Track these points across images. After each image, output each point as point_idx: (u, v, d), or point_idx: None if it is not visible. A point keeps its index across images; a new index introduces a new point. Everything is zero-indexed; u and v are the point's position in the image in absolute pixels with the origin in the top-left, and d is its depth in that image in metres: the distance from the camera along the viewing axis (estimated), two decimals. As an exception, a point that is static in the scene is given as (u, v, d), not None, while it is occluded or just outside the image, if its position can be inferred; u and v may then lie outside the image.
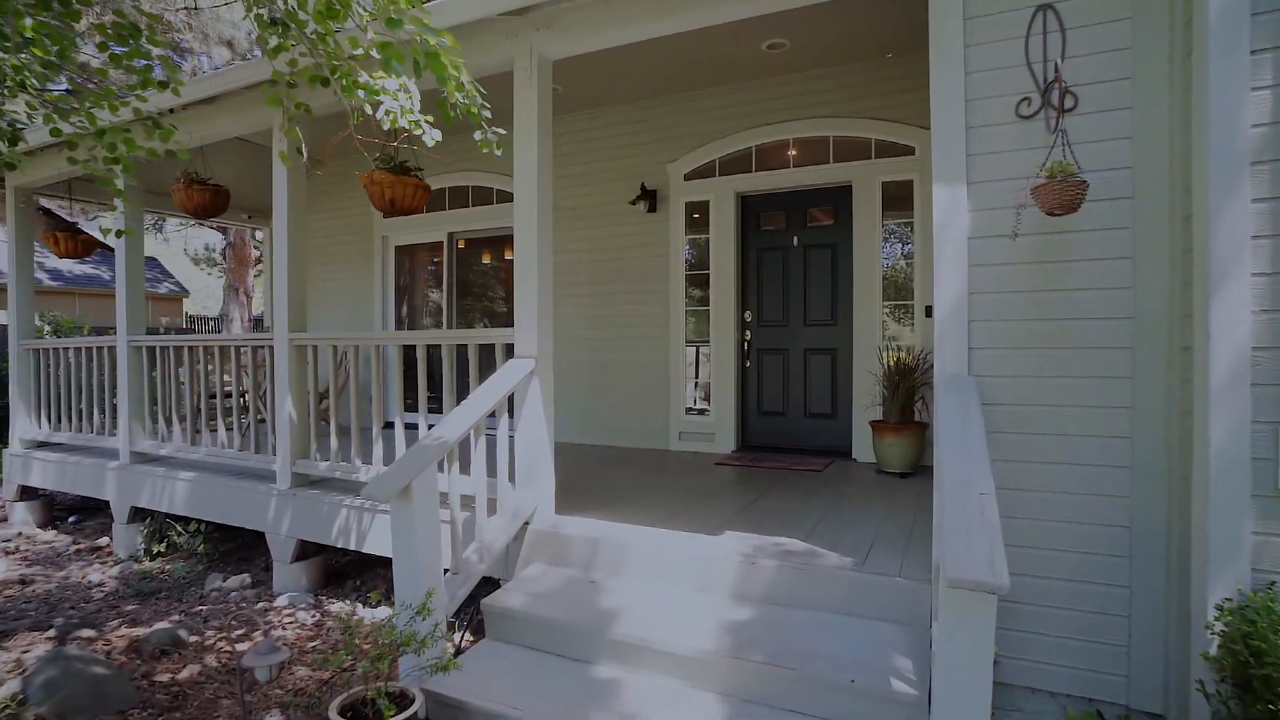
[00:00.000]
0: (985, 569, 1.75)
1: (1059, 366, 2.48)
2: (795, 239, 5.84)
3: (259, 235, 13.82)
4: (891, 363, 4.94)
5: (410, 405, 7.73)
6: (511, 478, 3.72)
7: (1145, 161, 2.35)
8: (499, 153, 3.07)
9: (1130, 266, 2.39)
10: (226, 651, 3.40)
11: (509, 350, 3.75)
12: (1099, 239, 2.42)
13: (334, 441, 4.43)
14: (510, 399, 3.66)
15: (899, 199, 5.35)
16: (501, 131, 3.01)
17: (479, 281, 7.69)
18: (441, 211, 7.43)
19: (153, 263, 16.25)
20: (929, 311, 5.19)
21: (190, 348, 5.19)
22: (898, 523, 3.60)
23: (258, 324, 14.93)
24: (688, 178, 6.09)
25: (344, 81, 3.04)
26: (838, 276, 5.67)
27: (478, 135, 3.02)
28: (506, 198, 7.01)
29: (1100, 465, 2.42)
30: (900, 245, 5.44)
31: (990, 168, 2.56)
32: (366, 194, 4.15)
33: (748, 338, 6.01)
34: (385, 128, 3.16)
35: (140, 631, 3.65)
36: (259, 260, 15.41)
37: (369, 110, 3.08)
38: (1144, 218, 2.36)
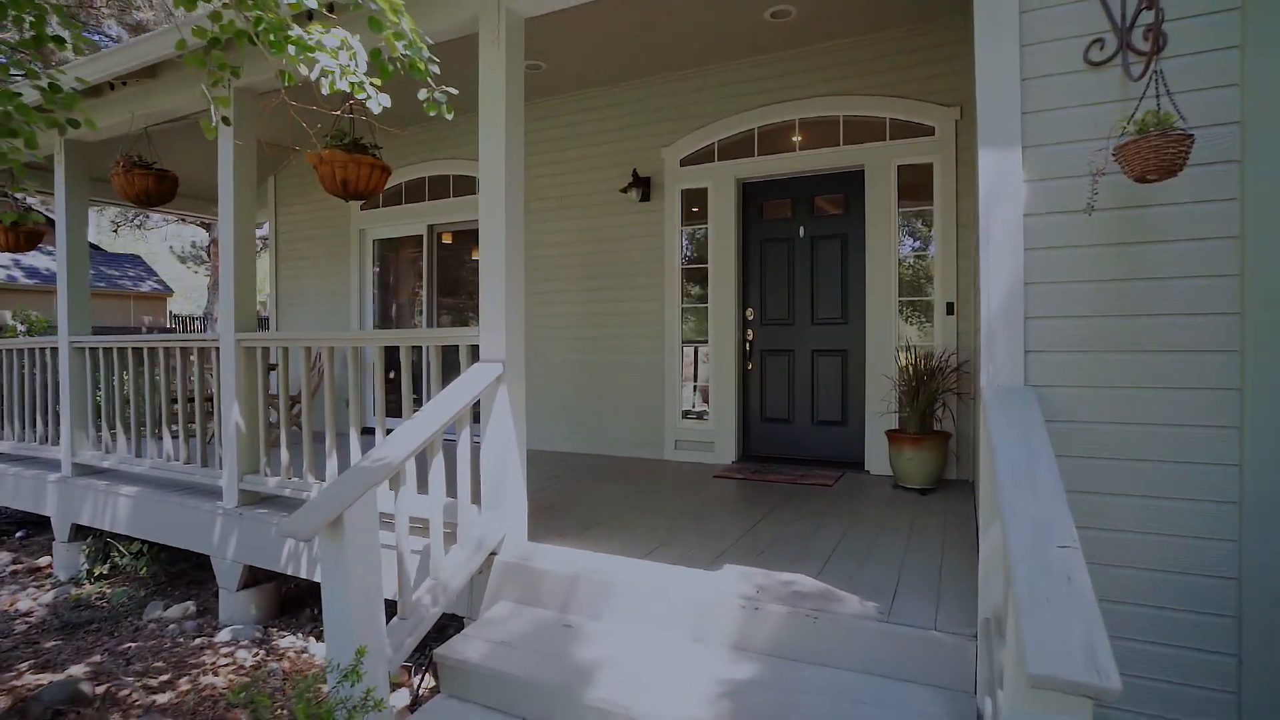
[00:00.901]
0: (1084, 663, 1.26)
1: (1140, 375, 1.98)
2: (801, 229, 5.34)
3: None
4: (910, 366, 4.43)
5: (395, 409, 7.25)
6: (476, 500, 3.22)
7: (1258, 115, 1.85)
8: (449, 116, 2.58)
9: (1235, 249, 1.89)
10: (139, 707, 2.90)
11: (474, 353, 3.26)
12: (1195, 214, 1.92)
13: (284, 454, 3.94)
14: (476, 409, 3.17)
15: (917, 185, 4.85)
16: (452, 91, 2.52)
17: (462, 278, 7.19)
18: (421, 203, 6.94)
19: (135, 260, 15.80)
20: (950, 309, 4.70)
21: (135, 349, 4.69)
22: (925, 554, 3.10)
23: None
24: (684, 163, 5.59)
25: (271, 36, 2.55)
26: (848, 271, 5.17)
27: (422, 95, 2.52)
28: (490, 187, 6.50)
29: (1196, 500, 1.92)
30: (918, 236, 4.94)
31: (1053, 127, 2.05)
32: (317, 176, 3.65)
33: (750, 338, 5.51)
34: (325, 92, 2.68)
35: (43, 679, 3.15)
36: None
37: (304, 71, 2.60)
38: (1256, 187, 1.86)
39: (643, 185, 5.62)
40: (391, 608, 2.62)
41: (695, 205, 5.60)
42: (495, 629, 2.80)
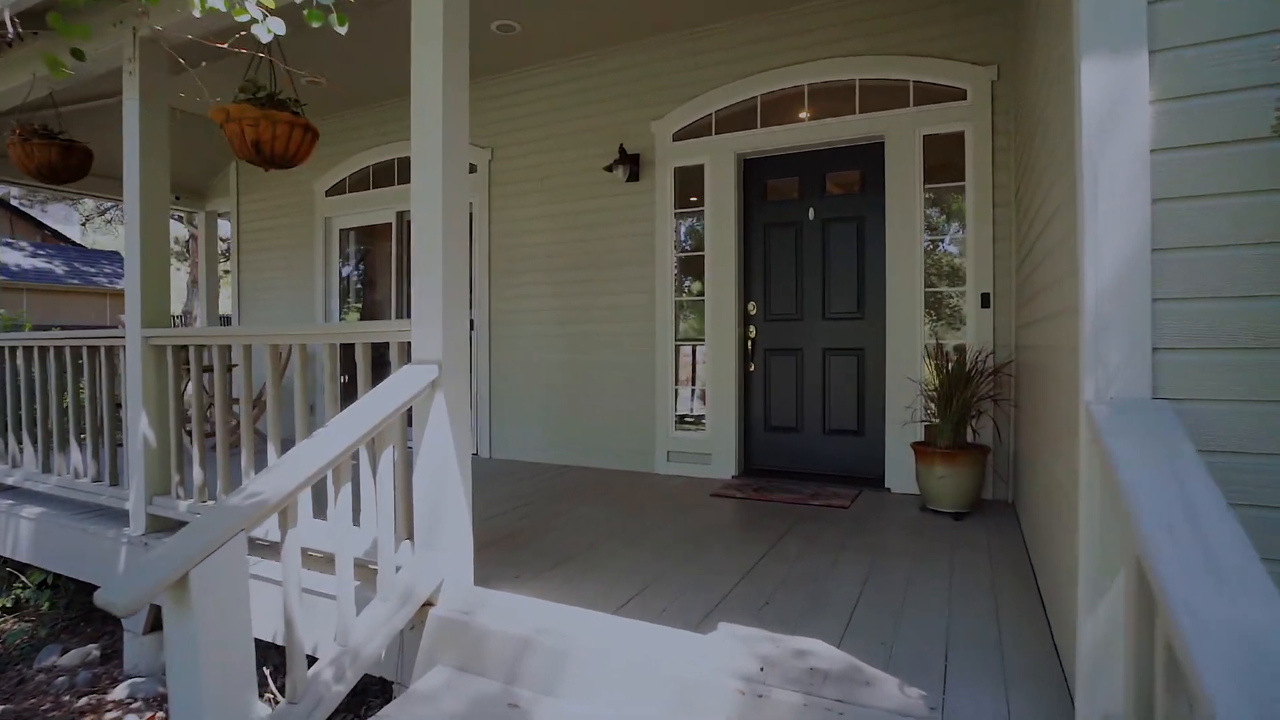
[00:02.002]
0: None
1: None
2: (811, 211, 4.68)
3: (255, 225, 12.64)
4: (940, 368, 3.78)
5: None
6: (409, 535, 2.59)
7: None
8: (341, 29, 1.94)
9: None
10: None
11: (406, 352, 2.61)
12: None
13: (196, 473, 3.31)
14: (419, 421, 2.53)
15: (946, 157, 4.19)
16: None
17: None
18: (389, 188, 6.30)
19: (113, 256, 15.21)
20: (986, 301, 4.04)
21: (41, 348, 4.06)
22: (975, 607, 2.45)
23: (225, 323, 13.82)
24: (677, 138, 4.94)
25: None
26: (865, 258, 4.51)
27: (301, -4, 1.88)
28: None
29: None
30: (948, 217, 4.28)
31: (1201, 16, 1.40)
32: (226, 137, 3.01)
33: (752, 335, 4.86)
34: (196, 13, 2.06)
35: None
36: (226, 253, 14.30)
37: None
38: None
39: (630, 163, 4.98)
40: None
41: (690, 185, 4.95)
42: (423, 708, 2.15)
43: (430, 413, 2.48)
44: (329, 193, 6.68)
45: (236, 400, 6.38)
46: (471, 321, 5.86)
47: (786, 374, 4.77)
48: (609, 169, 5.00)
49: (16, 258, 13.43)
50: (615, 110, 5.16)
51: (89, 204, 15.28)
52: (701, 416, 4.92)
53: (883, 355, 4.38)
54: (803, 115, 4.56)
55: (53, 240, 16.63)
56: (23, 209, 15.76)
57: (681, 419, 5.01)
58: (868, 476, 4.47)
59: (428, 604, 2.48)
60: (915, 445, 3.80)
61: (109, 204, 14.52)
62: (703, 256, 4.89)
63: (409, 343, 2.57)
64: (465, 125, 2.64)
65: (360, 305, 6.96)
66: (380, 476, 2.36)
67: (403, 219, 6.36)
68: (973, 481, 3.59)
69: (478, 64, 5.68)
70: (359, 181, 6.51)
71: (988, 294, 4.05)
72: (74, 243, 16.29)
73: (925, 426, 4.08)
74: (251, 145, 2.89)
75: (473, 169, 5.77)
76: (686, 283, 5.05)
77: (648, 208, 5.04)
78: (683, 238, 5.14)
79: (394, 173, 6.28)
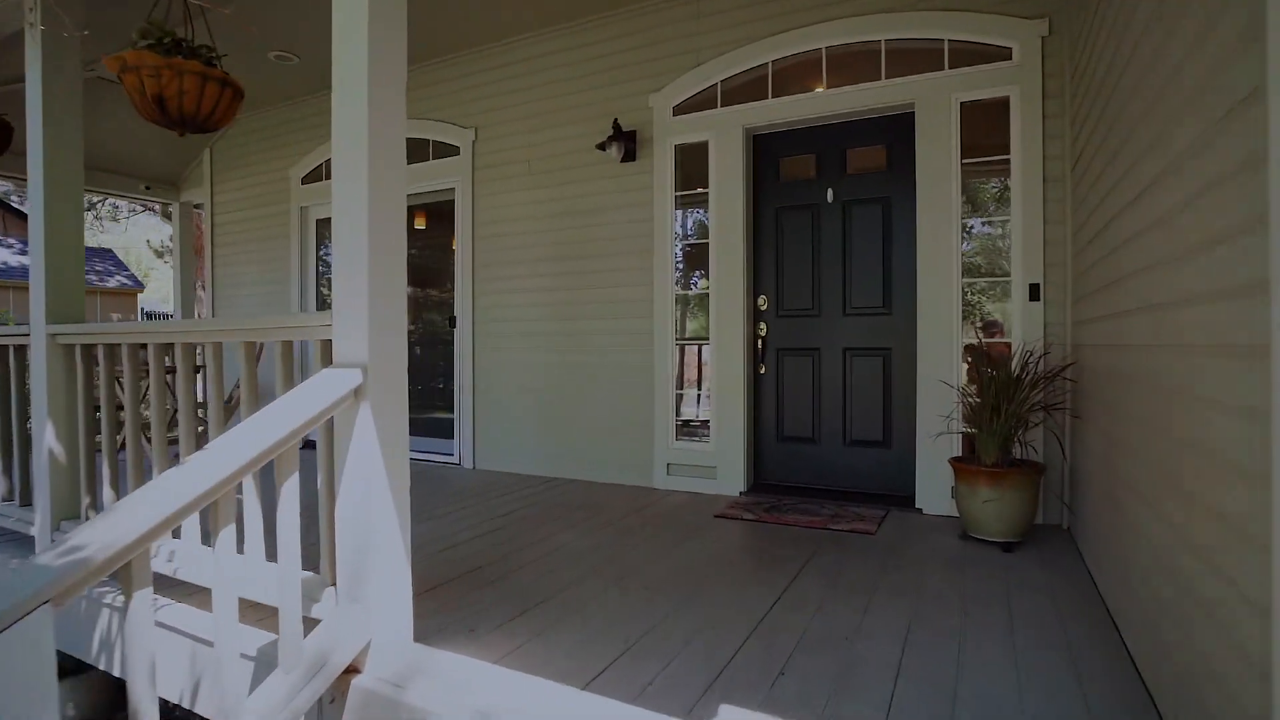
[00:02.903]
0: None
1: None
2: (830, 192, 4.13)
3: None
4: (982, 371, 3.22)
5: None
6: (332, 581, 2.07)
7: None
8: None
9: None
10: None
11: (327, 352, 2.09)
12: None
13: (106, 493, 2.80)
14: (341, 439, 2.02)
15: (988, 127, 3.64)
16: None
17: (413, 262, 6.05)
18: (368, 173, 5.78)
19: (106, 254, 14.83)
20: (1035, 293, 3.48)
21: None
22: (1053, 683, 1.89)
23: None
24: (678, 111, 4.40)
25: None
26: (892, 244, 3.96)
27: None
28: (445, 150, 5.36)
29: None
30: (990, 196, 3.72)
31: None
32: (125, 92, 2.49)
33: (763, 333, 4.31)
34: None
35: None
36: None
37: None
38: None
39: (625, 140, 4.44)
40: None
41: (693, 165, 4.41)
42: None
43: (354, 428, 1.95)
44: (305, 180, 6.19)
45: (204, 404, 5.91)
46: (453, 319, 5.34)
47: (802, 377, 4.22)
48: (602, 147, 4.46)
49: (4, 255, 13.06)
50: (610, 83, 4.63)
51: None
52: (706, 424, 4.37)
53: (913, 356, 3.82)
54: (820, 84, 4.01)
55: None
56: (17, 207, 15.42)
57: (684, 427, 4.47)
58: (895, 495, 3.92)
59: (352, 669, 1.95)
60: (955, 462, 3.24)
61: (97, 199, 14.18)
62: (707, 245, 4.34)
63: (330, 340, 2.04)
64: (399, 106, 2.11)
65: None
66: (284, 511, 1.84)
67: (381, 207, 5.84)
68: (1025, 506, 3.03)
69: (459, 36, 5.21)
70: (336, 168, 6.00)
71: (1037, 285, 3.49)
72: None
73: (964, 437, 3.52)
74: (154, 101, 2.37)
75: (454, 151, 5.26)
76: (691, 275, 4.51)
77: (645, 190, 4.50)
78: (685, 224, 4.60)
79: (372, 157, 5.77)
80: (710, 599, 2.52)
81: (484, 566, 2.93)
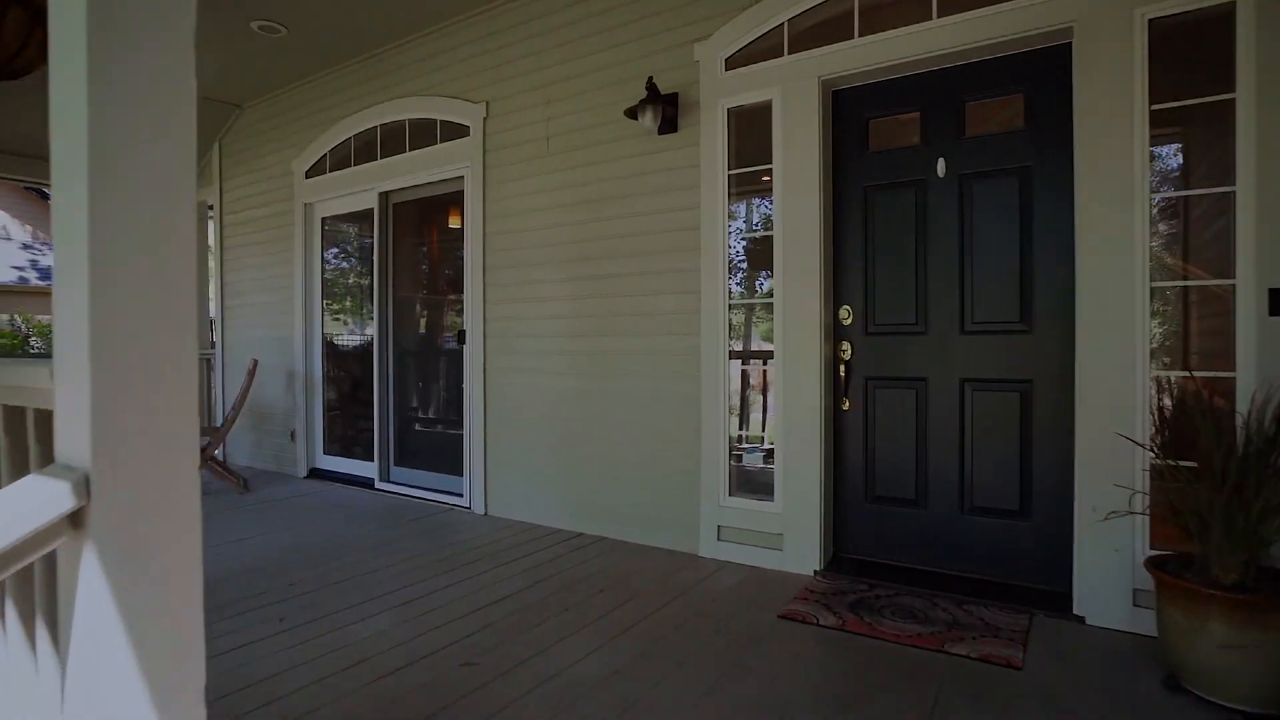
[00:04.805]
0: None
1: None
2: (941, 163, 3.00)
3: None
4: (1205, 423, 2.06)
5: (354, 438, 5.39)
6: None
7: None
8: None
9: None
10: None
11: (42, 430, 1.17)
12: None
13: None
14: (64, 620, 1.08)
15: (1190, 56, 2.45)
16: None
17: (422, 262, 5.24)
18: (371, 163, 5.00)
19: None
20: (1277, 302, 2.27)
21: None
22: None
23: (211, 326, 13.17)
24: (732, 64, 3.36)
25: None
26: (1035, 234, 2.81)
27: None
28: (453, 131, 4.49)
29: None
30: (1197, 159, 2.53)
31: None
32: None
33: (846, 356, 3.22)
34: None
35: None
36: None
37: None
38: None
39: (664, 105, 3.43)
40: None
41: (751, 134, 3.36)
42: None
43: (76, 590, 1.02)
44: (309, 173, 5.45)
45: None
46: (461, 333, 4.47)
47: (900, 417, 3.11)
48: (633, 114, 3.47)
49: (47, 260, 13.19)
50: (643, 34, 3.63)
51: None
52: (768, 473, 3.33)
53: (1067, 392, 2.67)
54: (928, 11, 2.89)
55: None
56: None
57: (740, 477, 3.44)
58: (1038, 589, 2.77)
59: None
60: (1159, 572, 2.09)
61: None
62: (770, 239, 3.29)
63: (49, 409, 1.12)
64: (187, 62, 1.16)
65: (341, 308, 5.72)
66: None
67: (386, 201, 5.04)
68: (1289, 654, 1.87)
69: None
70: (341, 159, 5.24)
71: (1276, 289, 2.28)
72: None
73: (1155, 517, 2.36)
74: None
75: (464, 132, 4.37)
76: (750, 280, 3.48)
77: (690, 170, 3.48)
78: (744, 213, 3.58)
79: (376, 144, 4.98)
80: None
81: (444, 708, 2.00)
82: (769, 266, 3.34)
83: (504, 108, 4.19)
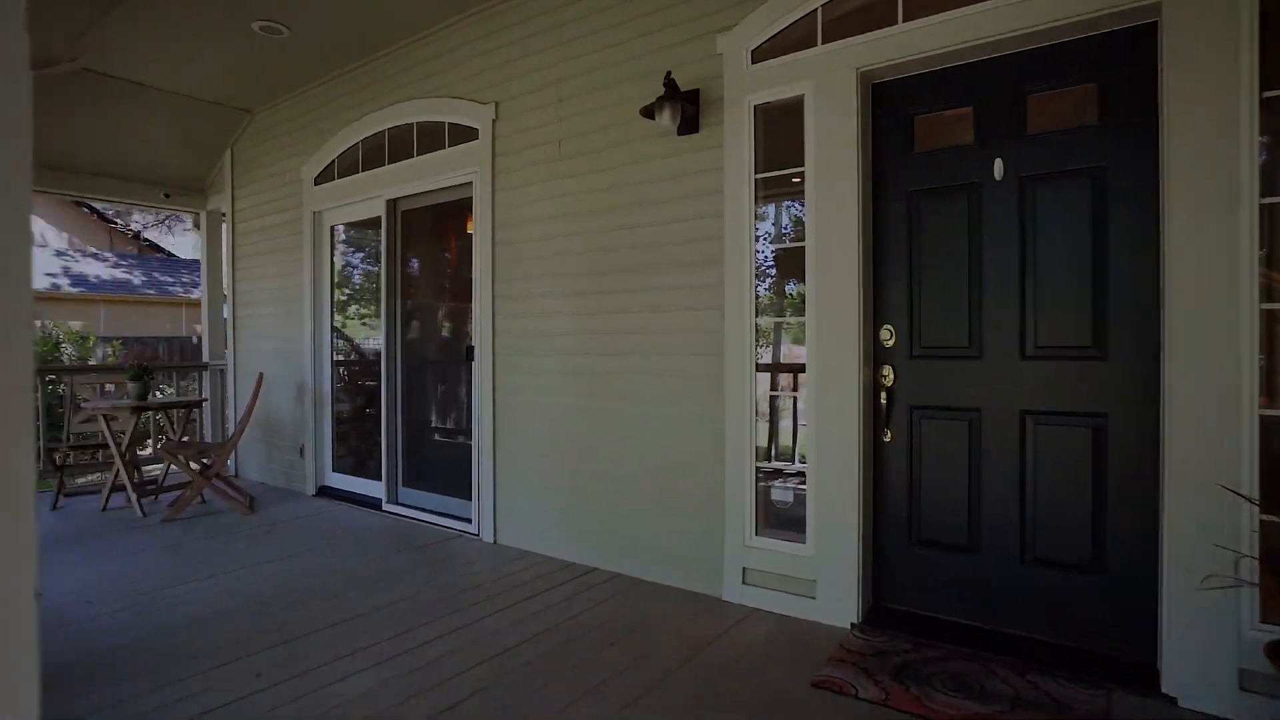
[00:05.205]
0: None
1: None
2: (998, 164, 2.64)
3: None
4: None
5: (365, 453, 5.18)
6: None
7: None
8: None
9: None
10: None
11: None
12: None
13: None
14: None
15: (1306, 34, 2.06)
16: None
17: (431, 272, 5.00)
18: (379, 169, 4.77)
19: (192, 265, 15.02)
20: None
21: None
22: None
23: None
24: (759, 56, 3.03)
25: None
26: (1110, 245, 2.43)
27: None
28: (462, 135, 4.23)
29: None
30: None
31: None
32: None
33: (888, 381, 2.87)
34: None
35: None
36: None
37: None
38: None
39: (683, 102, 3.12)
40: None
41: (781, 133, 3.03)
42: None
43: None
44: (318, 180, 5.26)
45: (204, 452, 5.13)
46: (469, 350, 4.21)
47: (950, 451, 2.75)
48: (649, 113, 3.16)
49: (96, 269, 13.32)
50: (661, 25, 3.32)
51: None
52: (800, 510, 2.99)
53: (1152, 429, 2.29)
54: (984, -9, 2.53)
55: (149, 250, 16.78)
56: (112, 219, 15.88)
57: (769, 514, 3.11)
58: (1116, 656, 2.39)
59: None
60: None
61: (166, 214, 14.35)
62: (802, 250, 2.96)
63: None
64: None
65: (350, 320, 5.51)
66: None
67: (395, 209, 4.80)
68: None
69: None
70: (349, 165, 5.03)
71: None
72: (163, 251, 16.35)
73: (1266, 591, 1.98)
74: None
75: (473, 135, 4.11)
76: (775, 291, 3.15)
77: (712, 173, 3.16)
78: (773, 220, 3.26)
79: (384, 149, 4.75)
80: None
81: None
82: (800, 277, 3.00)
83: (514, 108, 3.92)
